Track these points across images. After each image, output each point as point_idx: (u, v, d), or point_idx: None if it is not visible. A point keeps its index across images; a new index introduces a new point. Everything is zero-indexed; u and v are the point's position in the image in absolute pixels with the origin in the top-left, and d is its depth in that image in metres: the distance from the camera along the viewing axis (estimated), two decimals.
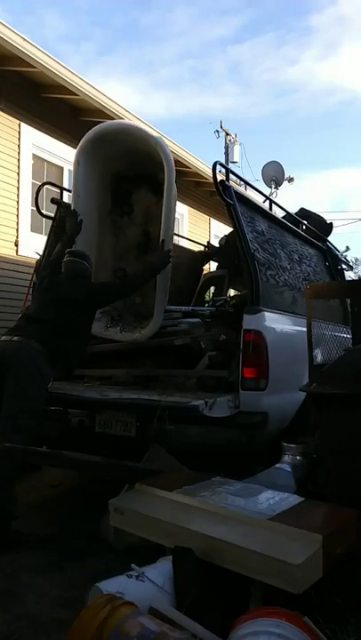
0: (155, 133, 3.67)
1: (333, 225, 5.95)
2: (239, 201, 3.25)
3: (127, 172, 4.06)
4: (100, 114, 6.58)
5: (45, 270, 3.54)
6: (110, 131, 3.79)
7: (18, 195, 6.04)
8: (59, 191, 4.54)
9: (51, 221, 4.21)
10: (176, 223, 7.33)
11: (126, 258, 4.21)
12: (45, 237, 4.34)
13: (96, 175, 3.90)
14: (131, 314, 4.04)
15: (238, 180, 4.95)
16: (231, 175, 4.05)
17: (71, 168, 6.85)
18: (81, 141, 3.85)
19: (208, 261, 6.43)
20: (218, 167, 3.19)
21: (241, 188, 4.34)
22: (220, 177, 3.20)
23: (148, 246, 4.19)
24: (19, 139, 6.07)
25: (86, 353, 3.65)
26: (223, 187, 3.14)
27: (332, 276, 4.87)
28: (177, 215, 9.07)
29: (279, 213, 4.52)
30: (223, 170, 3.55)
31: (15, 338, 3.08)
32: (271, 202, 4.39)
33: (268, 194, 6.42)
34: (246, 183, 4.22)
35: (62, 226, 4.20)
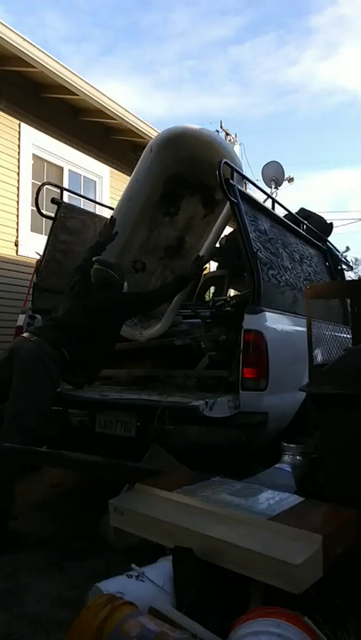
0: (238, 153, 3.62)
1: (334, 225, 5.95)
2: (243, 200, 3.24)
3: (188, 178, 4.03)
4: (100, 114, 6.59)
5: (75, 276, 3.51)
6: (193, 133, 3.67)
7: (18, 195, 6.03)
8: (59, 191, 4.54)
9: (51, 221, 4.21)
10: None
11: (151, 254, 4.21)
12: (45, 237, 4.34)
13: (160, 168, 3.84)
14: None
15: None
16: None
17: (71, 168, 6.91)
18: (163, 131, 3.82)
19: (208, 261, 6.43)
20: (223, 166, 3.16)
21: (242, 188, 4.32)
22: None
23: (176, 252, 4.22)
24: (19, 139, 6.06)
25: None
26: (228, 185, 3.12)
27: (333, 276, 4.87)
28: None
29: (280, 213, 4.51)
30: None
31: (33, 338, 3.07)
32: (274, 201, 4.39)
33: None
34: (249, 181, 4.20)
35: (63, 226, 4.21)
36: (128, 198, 3.85)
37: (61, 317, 3.31)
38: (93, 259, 3.48)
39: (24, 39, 5.38)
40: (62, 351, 3.05)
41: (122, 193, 4.00)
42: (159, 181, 3.93)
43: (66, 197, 4.68)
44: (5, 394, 2.91)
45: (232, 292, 5.85)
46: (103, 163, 7.37)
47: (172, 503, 2.14)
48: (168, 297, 3.63)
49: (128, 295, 3.59)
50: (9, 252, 5.93)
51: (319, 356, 2.63)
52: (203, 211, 4.14)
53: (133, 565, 1.86)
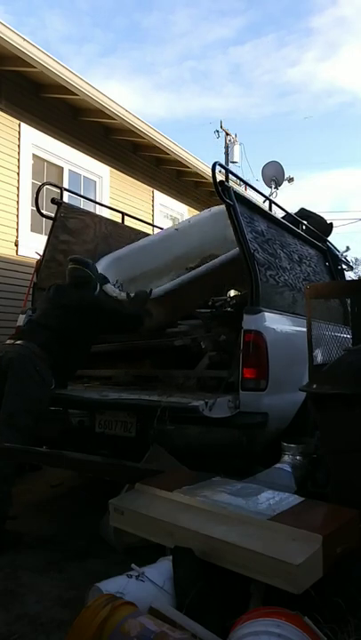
0: None
1: (334, 225, 5.95)
2: (238, 201, 3.25)
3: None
4: (100, 114, 6.59)
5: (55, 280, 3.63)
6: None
7: (18, 195, 6.03)
8: (59, 191, 4.54)
9: (51, 221, 4.21)
10: (175, 223, 7.36)
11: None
12: (45, 237, 4.34)
13: (206, 238, 4.20)
14: None
15: (238, 181, 4.94)
16: (231, 176, 4.04)
17: (71, 168, 6.91)
18: (221, 207, 3.90)
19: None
20: (217, 168, 3.18)
21: (241, 189, 4.35)
22: (219, 177, 3.19)
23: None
24: (19, 139, 6.06)
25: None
26: (223, 187, 3.13)
27: (333, 276, 4.87)
28: (176, 215, 9.09)
29: (279, 214, 4.51)
30: (223, 170, 3.54)
31: (18, 342, 3.14)
32: (271, 202, 4.39)
33: (268, 194, 6.42)
34: (246, 184, 4.22)
35: (63, 226, 4.21)
36: (176, 228, 4.29)
37: (38, 319, 3.35)
38: (69, 257, 3.52)
39: (24, 39, 5.38)
40: (45, 350, 3.09)
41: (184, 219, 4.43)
42: (199, 256, 4.25)
43: (66, 197, 4.68)
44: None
45: (232, 293, 5.84)
46: (103, 163, 7.37)
47: (172, 503, 2.14)
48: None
49: (105, 299, 3.60)
50: (9, 252, 5.93)
51: (319, 356, 2.63)
52: None
53: (133, 565, 1.86)
